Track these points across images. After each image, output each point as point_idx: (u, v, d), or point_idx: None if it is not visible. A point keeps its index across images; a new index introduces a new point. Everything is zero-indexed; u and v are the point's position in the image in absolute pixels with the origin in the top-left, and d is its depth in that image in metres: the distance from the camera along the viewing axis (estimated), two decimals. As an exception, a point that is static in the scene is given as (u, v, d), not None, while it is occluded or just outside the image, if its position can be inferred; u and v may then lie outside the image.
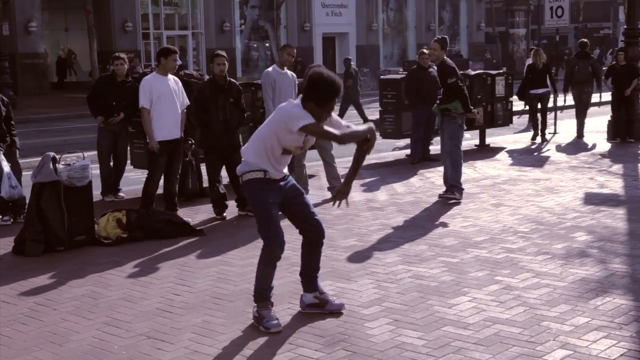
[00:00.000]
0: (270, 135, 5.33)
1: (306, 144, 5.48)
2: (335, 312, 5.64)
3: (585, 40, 17.14)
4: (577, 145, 15.01)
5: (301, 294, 5.76)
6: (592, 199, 9.58)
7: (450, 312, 5.58)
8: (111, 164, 10.41)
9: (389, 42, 47.58)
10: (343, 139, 5.37)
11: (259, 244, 5.72)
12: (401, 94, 13.70)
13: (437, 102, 9.83)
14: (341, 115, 18.64)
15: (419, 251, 7.33)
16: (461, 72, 17.37)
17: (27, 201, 8.38)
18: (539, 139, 15.61)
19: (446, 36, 10.24)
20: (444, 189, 9.81)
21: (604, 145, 14.49)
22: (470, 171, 11.77)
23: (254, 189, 5.45)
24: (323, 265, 5.88)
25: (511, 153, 14.15)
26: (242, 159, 5.50)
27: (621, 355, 4.72)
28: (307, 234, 5.61)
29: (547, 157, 13.46)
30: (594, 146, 14.75)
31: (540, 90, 15.79)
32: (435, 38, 9.90)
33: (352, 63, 22.10)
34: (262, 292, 5.45)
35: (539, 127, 15.88)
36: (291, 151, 5.46)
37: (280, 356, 4.87)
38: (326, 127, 5.26)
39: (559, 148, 14.60)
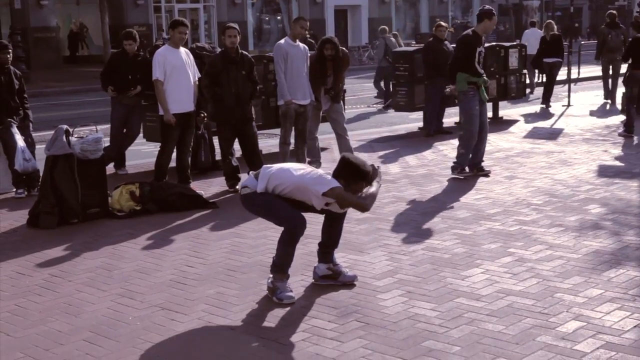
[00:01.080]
0: (294, 188, 5.35)
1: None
2: (349, 283, 5.66)
3: (614, 11, 17.72)
4: (604, 113, 14.98)
5: (314, 266, 5.77)
6: (606, 172, 9.52)
7: (463, 283, 5.58)
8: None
9: (402, 15, 47.12)
10: (367, 206, 5.31)
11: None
12: (414, 66, 13.61)
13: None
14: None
15: (432, 224, 7.33)
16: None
17: (41, 174, 8.42)
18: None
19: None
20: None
21: (618, 118, 14.36)
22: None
23: (261, 200, 5.45)
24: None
25: (524, 125, 14.07)
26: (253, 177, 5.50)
27: (635, 326, 4.71)
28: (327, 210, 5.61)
29: (561, 130, 13.36)
30: (607, 118, 14.63)
31: (550, 60, 16.57)
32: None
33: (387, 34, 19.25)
34: (281, 266, 5.45)
35: (547, 94, 16.57)
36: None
37: (293, 327, 4.89)
38: (349, 195, 5.26)
39: (573, 120, 14.50)
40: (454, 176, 9.39)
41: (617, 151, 11.04)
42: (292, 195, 5.34)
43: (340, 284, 5.66)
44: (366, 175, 5.29)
